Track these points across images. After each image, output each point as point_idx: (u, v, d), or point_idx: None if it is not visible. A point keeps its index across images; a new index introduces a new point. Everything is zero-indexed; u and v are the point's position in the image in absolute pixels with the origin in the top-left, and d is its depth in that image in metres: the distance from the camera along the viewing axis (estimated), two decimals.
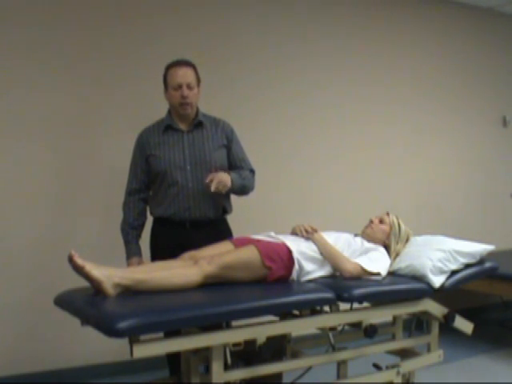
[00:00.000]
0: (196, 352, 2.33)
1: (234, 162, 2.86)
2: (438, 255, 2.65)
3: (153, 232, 2.90)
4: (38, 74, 3.30)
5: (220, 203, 2.81)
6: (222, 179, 2.63)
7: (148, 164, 2.79)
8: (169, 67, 2.77)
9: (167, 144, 2.77)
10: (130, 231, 2.83)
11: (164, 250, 2.74)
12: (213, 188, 2.57)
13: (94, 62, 3.44)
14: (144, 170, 2.82)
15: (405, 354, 2.82)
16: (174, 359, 2.73)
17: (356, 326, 2.49)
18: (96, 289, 2.12)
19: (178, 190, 2.73)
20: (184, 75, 2.71)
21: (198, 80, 2.80)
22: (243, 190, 2.84)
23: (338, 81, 4.32)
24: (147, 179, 2.83)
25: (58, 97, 3.36)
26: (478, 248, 2.77)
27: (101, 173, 3.49)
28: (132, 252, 2.81)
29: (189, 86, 2.72)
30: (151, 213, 2.89)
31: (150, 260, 2.83)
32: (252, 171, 2.92)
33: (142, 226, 2.88)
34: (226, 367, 2.15)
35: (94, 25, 3.44)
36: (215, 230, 2.80)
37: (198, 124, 2.81)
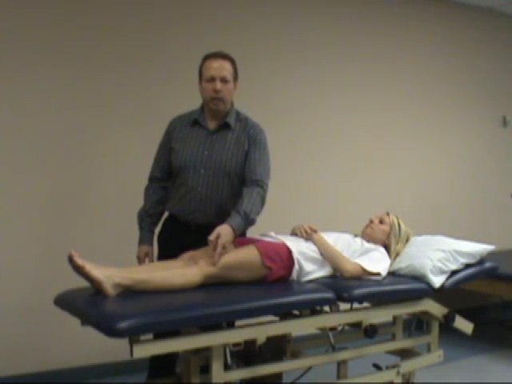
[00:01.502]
0: (196, 352, 2.33)
1: (245, 172, 2.64)
2: (438, 255, 2.65)
3: (163, 226, 2.83)
4: (39, 83, 3.31)
5: (228, 210, 2.61)
6: (225, 245, 2.34)
7: (170, 155, 2.71)
8: (206, 58, 2.62)
9: (189, 141, 2.66)
10: (145, 218, 2.75)
11: (169, 247, 2.67)
12: (216, 258, 2.33)
13: (96, 72, 3.44)
14: (167, 160, 2.73)
15: (405, 354, 2.82)
16: (156, 363, 2.70)
17: (356, 325, 2.49)
18: (96, 289, 2.12)
19: (187, 191, 2.64)
20: (219, 68, 2.56)
21: (236, 75, 2.64)
22: (248, 227, 2.61)
23: (336, 86, 4.32)
24: (169, 169, 2.74)
25: (63, 101, 3.37)
26: (478, 248, 2.77)
27: (102, 174, 3.49)
28: (142, 240, 2.73)
29: (223, 80, 2.56)
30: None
31: (158, 255, 2.77)
32: (263, 187, 2.62)
33: (160, 214, 2.80)
34: (226, 367, 2.15)
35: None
36: None
37: (224, 125, 2.66)
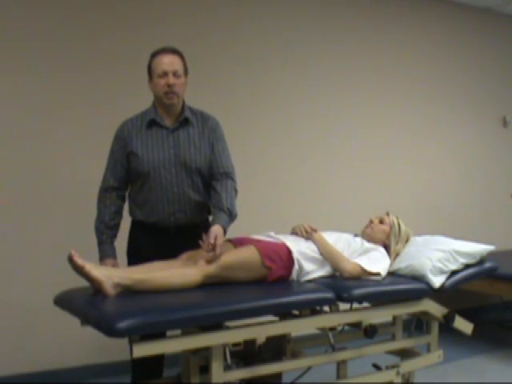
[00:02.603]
0: (196, 352, 2.33)
1: (213, 166, 2.62)
2: (438, 255, 2.65)
3: (132, 237, 2.73)
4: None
5: (206, 205, 2.64)
6: (221, 245, 2.37)
7: (129, 162, 2.60)
8: (154, 54, 2.57)
9: (151, 143, 2.58)
10: (106, 231, 2.62)
11: (146, 259, 2.44)
12: (217, 259, 2.32)
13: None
14: (124, 167, 2.62)
15: (405, 354, 2.82)
16: (140, 365, 2.64)
17: (356, 326, 2.49)
18: (96, 289, 2.12)
19: (163, 195, 2.56)
20: (170, 62, 2.52)
21: (186, 70, 2.60)
22: (231, 223, 2.57)
23: (337, 83, 4.32)
24: (127, 177, 2.64)
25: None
26: (478, 248, 2.77)
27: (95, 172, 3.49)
28: (106, 254, 2.61)
29: (175, 74, 2.52)
30: (130, 214, 2.70)
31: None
32: (233, 178, 2.65)
33: (118, 225, 2.68)
34: (226, 367, 2.15)
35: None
36: (201, 234, 2.45)
37: (184, 121, 2.61)
